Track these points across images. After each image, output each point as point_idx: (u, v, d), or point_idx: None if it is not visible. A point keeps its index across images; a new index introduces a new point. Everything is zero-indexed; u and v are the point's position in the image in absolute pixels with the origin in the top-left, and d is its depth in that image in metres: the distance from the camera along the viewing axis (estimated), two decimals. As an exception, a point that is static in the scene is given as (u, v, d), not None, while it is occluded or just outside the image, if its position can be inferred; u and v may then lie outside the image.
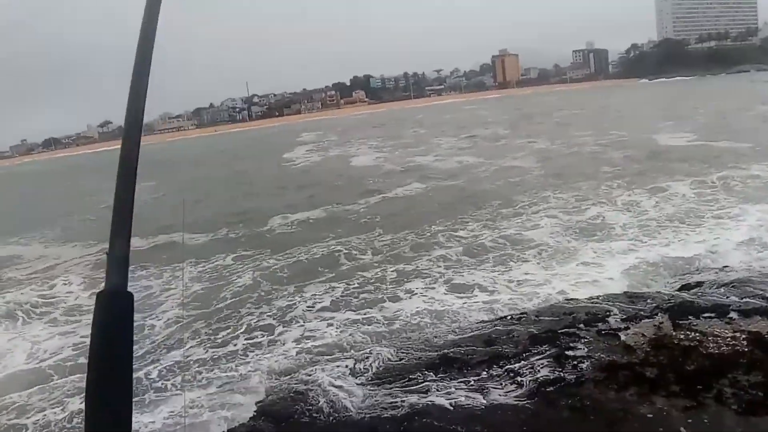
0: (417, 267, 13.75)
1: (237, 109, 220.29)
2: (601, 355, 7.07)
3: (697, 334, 7.18)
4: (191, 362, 9.64)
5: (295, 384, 7.86)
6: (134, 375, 1.46)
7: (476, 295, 11.36)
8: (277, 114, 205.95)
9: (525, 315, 9.05)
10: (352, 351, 9.12)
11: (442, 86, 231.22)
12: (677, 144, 27.53)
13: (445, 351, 8.03)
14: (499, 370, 7.14)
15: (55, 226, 26.08)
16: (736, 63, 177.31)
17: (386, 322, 10.51)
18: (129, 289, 1.46)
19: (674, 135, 30.31)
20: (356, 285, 12.83)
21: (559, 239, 14.78)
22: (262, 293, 12.87)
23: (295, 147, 53.95)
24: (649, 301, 8.78)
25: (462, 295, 11.49)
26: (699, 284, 9.97)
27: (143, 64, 1.86)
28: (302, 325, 10.73)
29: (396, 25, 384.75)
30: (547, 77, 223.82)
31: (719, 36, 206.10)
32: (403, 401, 6.80)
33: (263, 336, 10.47)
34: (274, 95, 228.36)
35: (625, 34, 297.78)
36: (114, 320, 1.44)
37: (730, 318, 7.65)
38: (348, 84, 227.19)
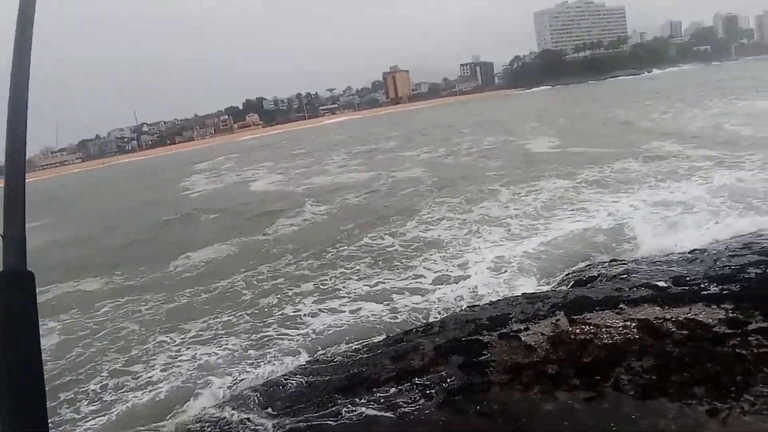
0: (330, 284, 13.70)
1: (126, 139, 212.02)
2: (505, 358, 7.20)
3: (592, 327, 7.47)
4: None
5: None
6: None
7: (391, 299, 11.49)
8: (168, 142, 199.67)
9: (430, 326, 9.11)
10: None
11: (336, 105, 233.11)
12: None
13: (354, 371, 7.93)
14: (408, 384, 7.10)
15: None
16: (609, 69, 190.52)
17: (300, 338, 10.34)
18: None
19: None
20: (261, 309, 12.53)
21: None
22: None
23: (192, 175, 52.37)
24: (546, 300, 9.07)
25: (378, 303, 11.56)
26: (591, 279, 10.47)
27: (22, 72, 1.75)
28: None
29: (286, 45, 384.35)
30: (437, 91, 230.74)
31: (593, 45, 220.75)
32: (314, 427, 6.64)
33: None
34: (165, 123, 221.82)
35: (508, 47, 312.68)
36: (18, 301, 1.39)
37: (620, 308, 8.01)
38: (241, 108, 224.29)
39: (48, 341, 11.92)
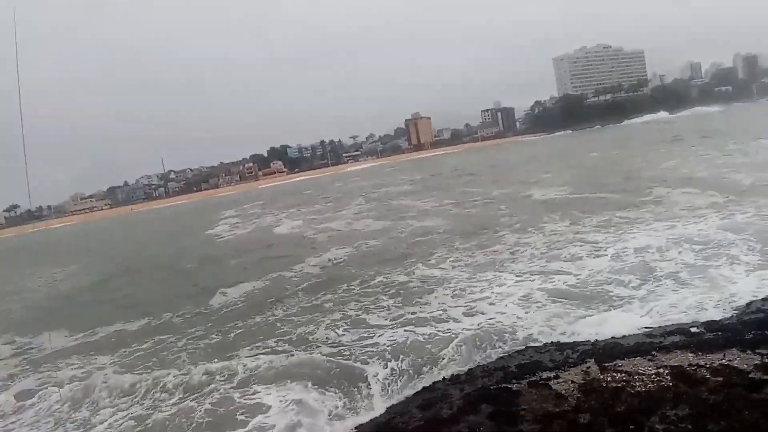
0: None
1: (153, 186, 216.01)
2: (535, 407, 7.08)
3: (624, 375, 7.33)
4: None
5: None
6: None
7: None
8: (195, 189, 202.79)
9: (457, 375, 9.00)
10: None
11: (359, 152, 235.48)
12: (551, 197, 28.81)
13: (382, 420, 7.86)
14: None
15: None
16: (630, 112, 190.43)
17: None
18: None
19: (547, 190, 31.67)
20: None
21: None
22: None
23: (220, 222, 52.95)
24: (574, 347, 8.96)
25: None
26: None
27: None
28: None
29: (310, 93, 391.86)
30: (459, 137, 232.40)
31: (613, 89, 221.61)
32: None
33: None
34: (191, 170, 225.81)
35: (529, 92, 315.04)
36: None
37: (653, 354, 7.87)
38: (265, 155, 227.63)
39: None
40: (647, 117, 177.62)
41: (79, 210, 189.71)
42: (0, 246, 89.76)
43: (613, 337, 9.32)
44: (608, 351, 8.42)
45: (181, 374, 11.60)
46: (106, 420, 10.15)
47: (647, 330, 9.11)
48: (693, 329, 8.67)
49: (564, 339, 9.82)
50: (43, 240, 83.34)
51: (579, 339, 9.60)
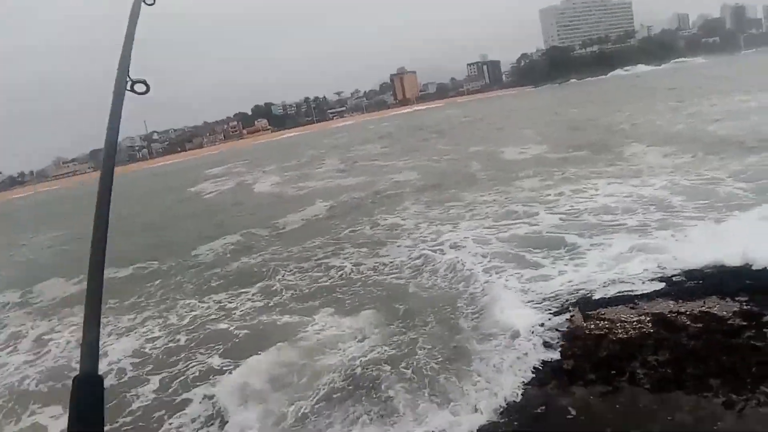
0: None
1: (136, 148, 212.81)
2: (520, 354, 7.26)
3: (606, 322, 7.50)
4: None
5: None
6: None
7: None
8: (179, 149, 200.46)
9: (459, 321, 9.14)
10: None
11: (344, 108, 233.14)
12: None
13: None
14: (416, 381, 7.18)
15: None
16: (617, 63, 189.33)
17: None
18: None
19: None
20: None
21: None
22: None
23: (203, 181, 52.75)
24: (558, 296, 9.11)
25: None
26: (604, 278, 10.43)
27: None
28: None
29: (293, 50, 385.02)
30: (445, 91, 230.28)
31: (600, 40, 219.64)
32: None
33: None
34: (174, 130, 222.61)
35: (515, 44, 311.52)
36: (87, 404, 1.50)
37: (635, 303, 8.04)
38: (250, 113, 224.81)
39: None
40: (630, 69, 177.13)
41: (62, 174, 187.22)
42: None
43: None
44: (592, 299, 8.58)
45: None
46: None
47: (629, 278, 9.24)
48: (674, 278, 8.81)
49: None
50: (29, 204, 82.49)
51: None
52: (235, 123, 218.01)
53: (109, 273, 17.66)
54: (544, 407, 6.10)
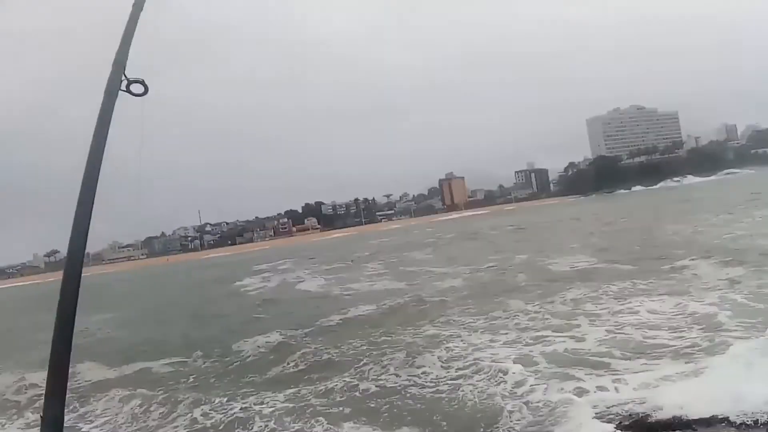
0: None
1: (189, 238, 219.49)
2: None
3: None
4: None
5: None
6: None
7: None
8: (229, 242, 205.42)
9: None
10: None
11: (392, 211, 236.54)
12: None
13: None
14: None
15: None
16: (665, 174, 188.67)
17: None
18: None
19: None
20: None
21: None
22: None
23: (250, 275, 53.78)
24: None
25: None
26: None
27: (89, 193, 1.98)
28: None
29: (344, 150, 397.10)
30: (493, 198, 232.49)
31: (648, 150, 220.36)
32: None
33: None
34: (227, 223, 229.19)
35: (562, 153, 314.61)
36: None
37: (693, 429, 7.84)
38: (300, 211, 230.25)
39: None
40: (678, 180, 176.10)
41: (117, 258, 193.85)
42: (40, 290, 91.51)
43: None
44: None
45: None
46: None
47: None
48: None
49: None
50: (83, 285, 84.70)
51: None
52: (285, 220, 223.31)
53: (145, 364, 18.25)
54: None
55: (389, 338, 17.67)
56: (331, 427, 10.60)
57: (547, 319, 17.09)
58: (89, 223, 1.88)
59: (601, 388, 10.29)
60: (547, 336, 14.97)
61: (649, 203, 79.16)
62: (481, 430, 9.52)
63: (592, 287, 21.21)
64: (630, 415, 8.85)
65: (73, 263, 1.83)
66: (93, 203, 1.91)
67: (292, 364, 16.19)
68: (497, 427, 9.40)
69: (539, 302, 19.88)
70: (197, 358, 18.34)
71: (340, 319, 22.47)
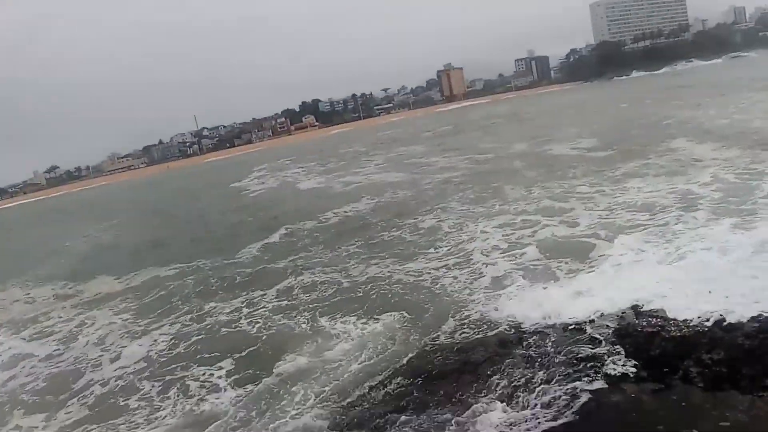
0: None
1: (187, 144, 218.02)
2: (570, 350, 7.22)
3: (659, 320, 7.40)
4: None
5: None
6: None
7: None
8: (228, 145, 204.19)
9: (491, 322, 9.09)
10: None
11: (391, 104, 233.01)
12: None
13: (421, 362, 8.07)
14: (471, 376, 7.21)
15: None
16: (671, 59, 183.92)
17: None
18: None
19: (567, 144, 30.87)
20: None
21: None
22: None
23: (249, 177, 53.70)
24: (611, 293, 8.98)
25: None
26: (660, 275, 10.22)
27: None
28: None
29: (341, 47, 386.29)
30: (492, 87, 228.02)
31: (653, 35, 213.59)
32: (377, 414, 6.84)
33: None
34: (224, 126, 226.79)
35: (564, 39, 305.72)
36: None
37: (689, 301, 7.87)
38: (297, 110, 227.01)
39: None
40: (684, 65, 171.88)
41: (117, 169, 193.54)
42: (44, 206, 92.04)
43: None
44: (642, 298, 8.43)
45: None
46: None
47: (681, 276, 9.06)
48: (727, 275, 8.61)
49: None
50: (85, 199, 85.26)
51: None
52: (283, 119, 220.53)
53: (153, 272, 18.48)
54: (594, 403, 6.07)
55: (385, 233, 17.81)
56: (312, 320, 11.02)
57: (542, 203, 17.18)
58: None
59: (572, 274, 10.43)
60: (539, 221, 15.03)
61: (651, 88, 77.53)
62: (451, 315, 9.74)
63: (589, 171, 21.24)
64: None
65: None
66: None
67: (288, 261, 16.41)
68: (468, 313, 9.63)
69: (537, 188, 19.91)
70: (200, 263, 18.62)
71: (339, 215, 22.51)
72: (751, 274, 8.21)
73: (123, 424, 8.45)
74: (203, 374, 9.59)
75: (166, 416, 8.36)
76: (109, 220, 39.54)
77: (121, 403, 9.16)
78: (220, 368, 9.68)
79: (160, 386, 9.48)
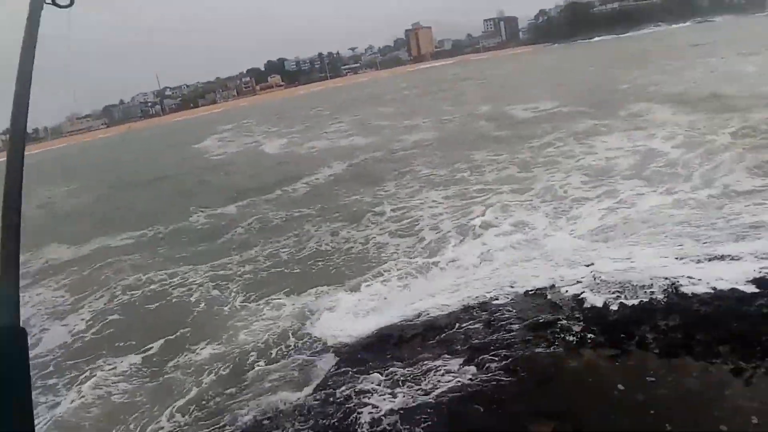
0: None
1: (149, 104, 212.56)
2: (529, 315, 7.28)
3: (617, 285, 7.49)
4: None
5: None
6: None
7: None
8: (191, 105, 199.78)
9: (455, 285, 9.17)
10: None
11: (358, 64, 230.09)
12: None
13: (382, 329, 8.08)
14: (433, 341, 7.24)
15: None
16: (638, 22, 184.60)
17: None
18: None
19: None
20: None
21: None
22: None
23: (211, 138, 52.82)
24: (571, 259, 9.08)
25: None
26: (616, 240, 10.38)
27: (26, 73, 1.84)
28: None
29: (307, 5, 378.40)
30: (461, 48, 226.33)
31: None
32: (340, 383, 6.83)
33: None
34: (187, 86, 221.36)
35: (533, 0, 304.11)
36: (6, 361, 1.37)
37: (646, 267, 8.00)
38: (263, 69, 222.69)
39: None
40: (651, 28, 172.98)
41: (76, 130, 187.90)
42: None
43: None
44: (603, 263, 8.55)
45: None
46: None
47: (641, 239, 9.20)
48: (685, 240, 8.76)
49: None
50: (43, 160, 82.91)
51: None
52: (248, 79, 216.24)
53: (105, 240, 18.16)
54: (553, 369, 6.13)
55: (344, 201, 17.78)
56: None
57: (505, 167, 17.36)
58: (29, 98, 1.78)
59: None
60: (497, 188, 15.17)
61: (618, 51, 78.01)
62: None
63: (552, 131, 21.58)
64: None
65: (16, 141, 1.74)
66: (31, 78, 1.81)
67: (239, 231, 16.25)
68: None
69: (503, 151, 20.05)
70: (154, 231, 18.42)
71: (302, 183, 22.25)
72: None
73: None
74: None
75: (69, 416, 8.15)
76: (68, 184, 38.70)
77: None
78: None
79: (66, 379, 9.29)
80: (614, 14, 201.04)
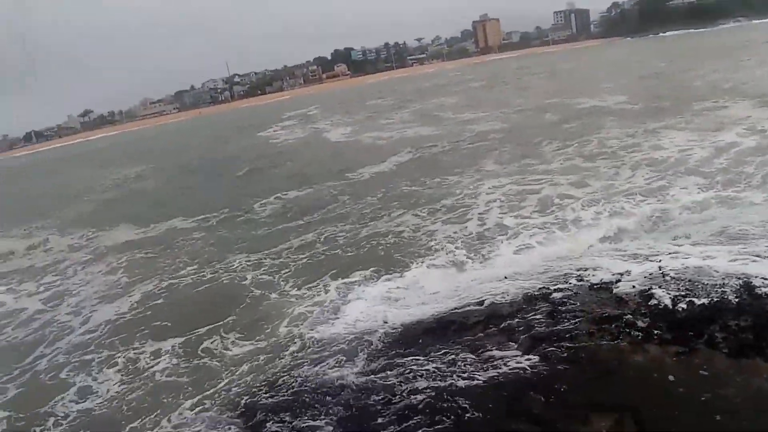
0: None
1: (218, 90, 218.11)
2: (594, 308, 7.20)
3: (687, 283, 7.31)
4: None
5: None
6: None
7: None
8: (259, 92, 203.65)
9: (519, 274, 9.11)
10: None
11: (424, 55, 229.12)
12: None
13: (443, 314, 8.14)
14: (495, 329, 7.26)
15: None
16: (717, 17, 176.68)
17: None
18: None
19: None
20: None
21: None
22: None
23: (278, 124, 53.76)
24: (638, 254, 8.90)
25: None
26: (687, 236, 10.07)
27: None
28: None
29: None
30: (529, 40, 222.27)
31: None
32: (400, 365, 6.94)
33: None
34: (256, 73, 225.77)
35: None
36: None
37: (717, 265, 7.77)
38: (329, 58, 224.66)
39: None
40: (731, 23, 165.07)
41: (149, 114, 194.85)
42: (78, 149, 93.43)
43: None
44: (672, 257, 8.34)
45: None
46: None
47: (711, 239, 8.92)
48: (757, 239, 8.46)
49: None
50: (118, 143, 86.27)
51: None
52: (315, 67, 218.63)
53: (172, 223, 18.70)
54: (615, 362, 6.08)
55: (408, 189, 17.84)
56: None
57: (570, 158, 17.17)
58: None
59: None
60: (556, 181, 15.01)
61: (692, 46, 74.98)
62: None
63: (622, 126, 21.13)
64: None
65: None
66: None
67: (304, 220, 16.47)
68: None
69: (569, 144, 19.75)
70: (220, 215, 18.89)
71: (367, 173, 22.34)
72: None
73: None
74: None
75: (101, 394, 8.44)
76: (139, 165, 40.18)
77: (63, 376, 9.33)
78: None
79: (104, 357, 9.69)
80: (691, 8, 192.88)
